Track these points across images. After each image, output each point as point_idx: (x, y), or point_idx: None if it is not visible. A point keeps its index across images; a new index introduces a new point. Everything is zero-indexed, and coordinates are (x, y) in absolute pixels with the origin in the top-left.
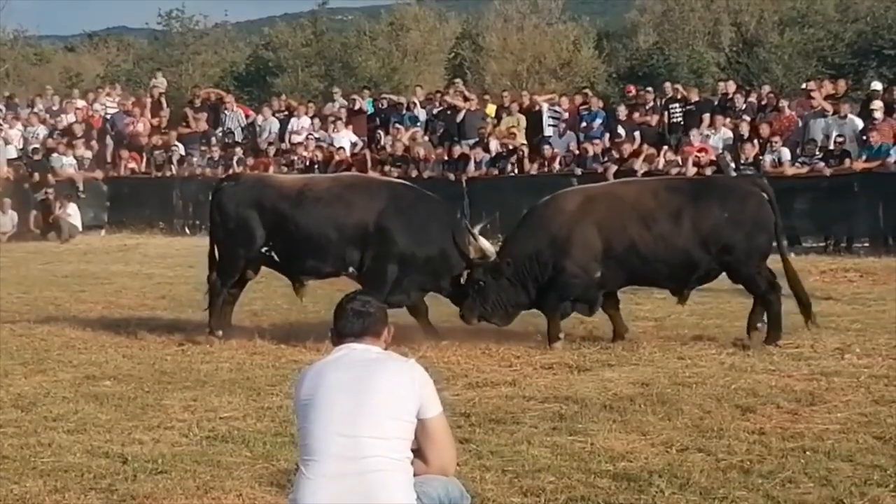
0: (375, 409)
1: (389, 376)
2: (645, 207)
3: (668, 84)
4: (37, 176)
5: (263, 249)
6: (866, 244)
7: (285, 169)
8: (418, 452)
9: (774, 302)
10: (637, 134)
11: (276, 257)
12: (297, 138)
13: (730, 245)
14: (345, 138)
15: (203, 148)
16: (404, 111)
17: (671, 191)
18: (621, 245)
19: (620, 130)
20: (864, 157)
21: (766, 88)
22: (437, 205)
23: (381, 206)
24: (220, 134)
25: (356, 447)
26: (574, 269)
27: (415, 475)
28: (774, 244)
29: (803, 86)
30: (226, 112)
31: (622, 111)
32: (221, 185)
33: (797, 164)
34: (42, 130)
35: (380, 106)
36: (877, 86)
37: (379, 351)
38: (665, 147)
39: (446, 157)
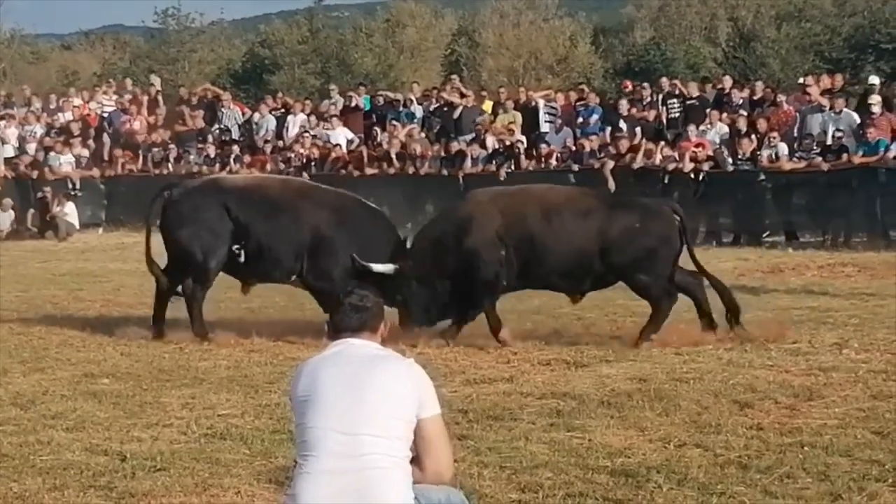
0: (374, 407)
1: (388, 374)
2: (551, 204)
3: (664, 79)
4: (35, 174)
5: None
6: (864, 239)
7: (283, 166)
8: (414, 458)
9: (664, 309)
10: (638, 129)
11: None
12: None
13: (630, 259)
14: (341, 135)
15: (200, 146)
16: (401, 108)
17: (585, 195)
18: (519, 233)
19: (622, 125)
20: (861, 153)
21: (761, 84)
22: (380, 217)
23: (324, 215)
24: (217, 132)
25: (354, 444)
26: (477, 248)
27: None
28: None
29: (800, 80)
30: (222, 110)
31: (624, 106)
32: (171, 192)
33: (795, 158)
34: (39, 129)
35: (376, 103)
36: (874, 80)
37: (377, 347)
38: (662, 142)
39: (443, 154)
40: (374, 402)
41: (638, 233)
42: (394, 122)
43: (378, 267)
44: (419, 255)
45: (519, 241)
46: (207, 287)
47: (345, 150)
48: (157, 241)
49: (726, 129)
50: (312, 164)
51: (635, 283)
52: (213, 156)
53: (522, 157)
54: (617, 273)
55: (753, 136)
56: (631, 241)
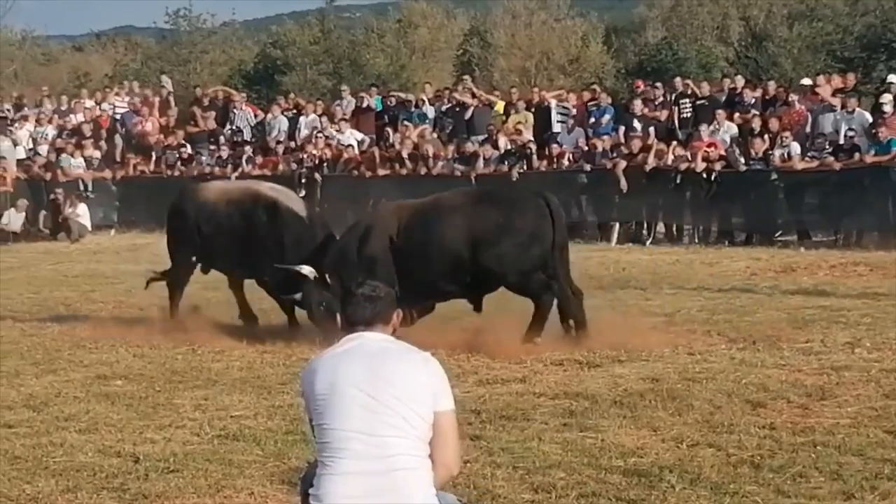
0: (395, 406)
1: (406, 370)
2: (430, 210)
3: (678, 79)
4: (48, 176)
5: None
6: (876, 238)
7: (294, 167)
8: None
9: (546, 304)
10: (651, 129)
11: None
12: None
13: (496, 257)
14: (351, 137)
15: (212, 147)
16: (413, 108)
17: (456, 195)
18: (404, 241)
19: (635, 125)
20: (873, 152)
21: (773, 84)
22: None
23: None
24: (229, 133)
25: (379, 445)
26: (374, 257)
27: None
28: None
29: (805, 81)
30: (235, 111)
31: (638, 106)
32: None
33: (807, 158)
34: (51, 131)
35: (388, 103)
36: (893, 79)
37: (392, 340)
38: (674, 142)
39: (455, 154)
40: (395, 401)
41: (503, 229)
42: (406, 123)
43: (301, 268)
44: (331, 261)
45: (405, 249)
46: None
47: (356, 151)
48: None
49: (737, 128)
50: (324, 164)
51: (508, 284)
52: (225, 157)
53: (534, 157)
54: (487, 273)
55: (765, 136)
56: (496, 238)
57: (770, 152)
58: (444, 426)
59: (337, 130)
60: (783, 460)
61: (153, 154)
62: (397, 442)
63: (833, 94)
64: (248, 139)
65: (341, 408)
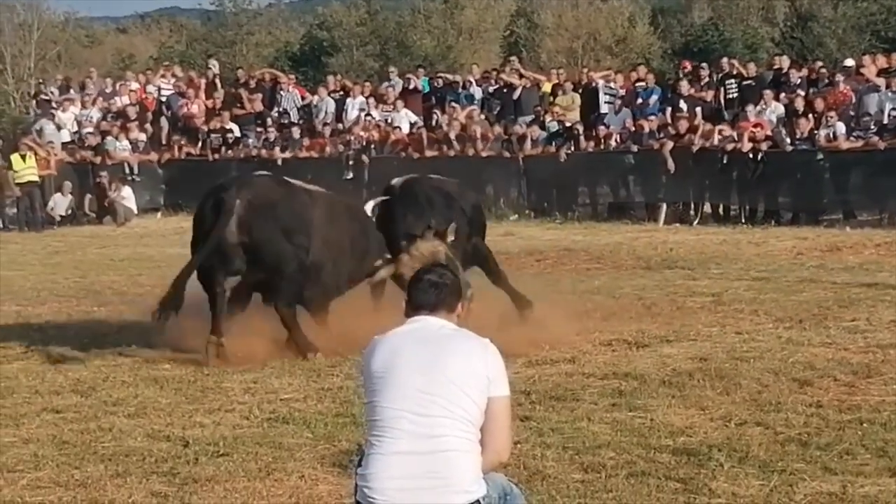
0: (449, 389)
1: (463, 355)
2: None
3: (724, 59)
4: (98, 159)
5: None
6: None
7: (342, 149)
8: None
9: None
10: (698, 109)
11: None
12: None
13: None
14: (404, 118)
15: (259, 129)
16: (460, 90)
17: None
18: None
19: (682, 105)
20: None
21: (818, 64)
22: None
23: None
24: (276, 115)
25: (430, 426)
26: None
27: None
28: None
29: (848, 62)
30: (281, 93)
31: (684, 86)
32: None
33: (852, 138)
34: (96, 113)
35: (435, 85)
36: None
37: (453, 327)
38: (721, 123)
39: (503, 136)
40: (450, 384)
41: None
42: (453, 104)
43: None
44: None
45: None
46: None
47: (405, 132)
48: None
49: (783, 108)
50: (372, 146)
51: None
52: (272, 139)
53: (581, 138)
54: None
55: (811, 116)
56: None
57: (815, 132)
58: (496, 412)
59: (389, 111)
60: (830, 438)
61: (199, 137)
62: (447, 423)
63: (878, 74)
64: (295, 121)
65: (395, 387)
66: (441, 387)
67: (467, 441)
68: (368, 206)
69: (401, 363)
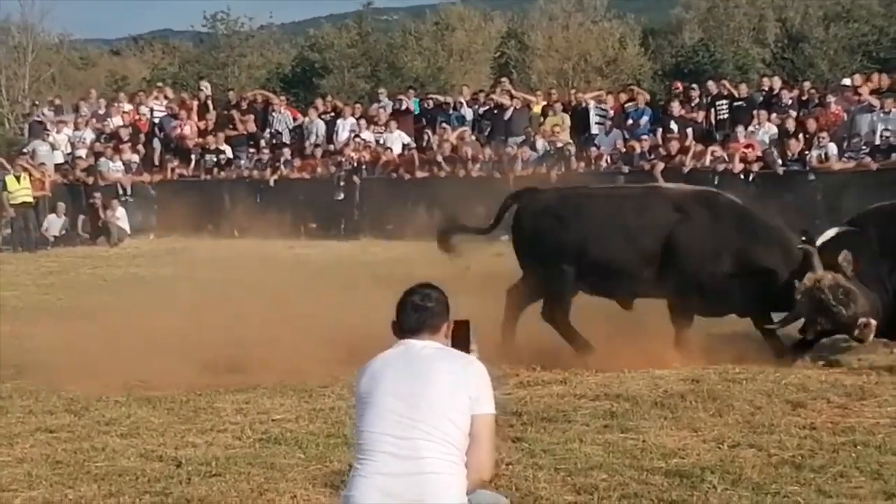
0: (431, 412)
1: (445, 377)
2: None
3: (710, 82)
4: (90, 180)
5: None
6: None
7: (333, 170)
8: None
9: None
10: (690, 131)
11: None
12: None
13: None
14: (397, 139)
15: (251, 150)
16: (451, 111)
17: None
18: None
19: (673, 126)
20: None
21: (808, 84)
22: None
23: None
24: (269, 136)
25: (411, 448)
26: None
27: None
28: None
29: (844, 81)
30: (273, 114)
31: (675, 107)
32: None
33: (844, 158)
34: (89, 134)
35: (426, 106)
36: None
37: (437, 347)
38: (712, 143)
39: (494, 157)
40: (431, 407)
41: None
42: (444, 125)
43: None
44: None
45: None
46: None
47: (396, 153)
48: None
49: (775, 129)
50: (363, 167)
51: None
52: (264, 160)
53: (573, 158)
54: None
55: (802, 136)
56: None
57: (807, 153)
58: (480, 430)
59: (381, 132)
60: (824, 460)
61: (192, 157)
62: (429, 446)
63: (869, 95)
64: (287, 142)
65: (377, 411)
66: (423, 410)
67: (450, 463)
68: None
69: (382, 387)
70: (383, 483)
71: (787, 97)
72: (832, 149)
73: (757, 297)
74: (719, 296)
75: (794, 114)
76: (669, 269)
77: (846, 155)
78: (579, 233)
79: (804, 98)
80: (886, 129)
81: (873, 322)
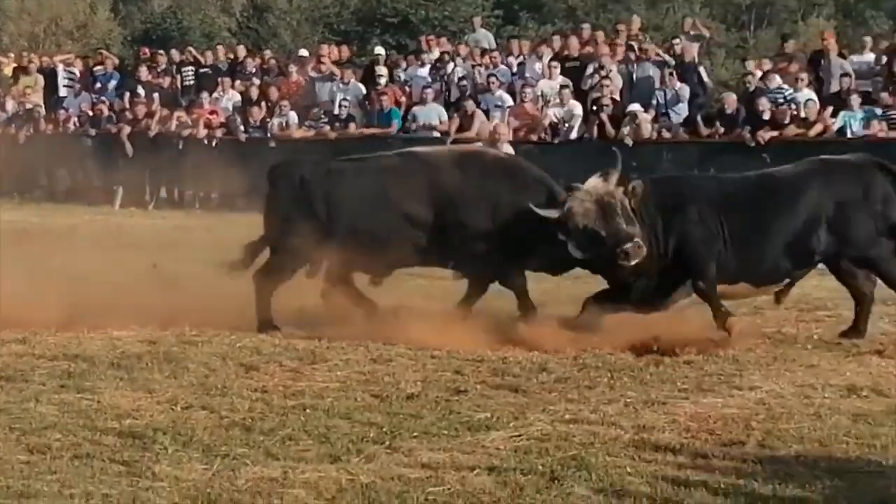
0: None
1: None
2: None
3: (174, 50)
4: None
5: None
6: None
7: None
8: None
9: None
10: (156, 95)
11: None
12: None
13: None
14: None
15: None
16: None
17: None
18: None
19: (140, 91)
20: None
21: (269, 53)
22: None
23: None
24: None
25: None
26: None
27: None
28: None
29: (302, 52)
30: None
31: (143, 72)
32: None
33: (304, 127)
34: None
35: None
36: (380, 51)
37: None
38: (178, 109)
39: None
40: None
41: None
42: None
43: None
44: None
45: None
46: None
47: None
48: None
49: (238, 96)
50: None
51: None
52: None
53: (42, 120)
54: None
55: (264, 104)
56: None
57: (269, 121)
58: None
59: None
60: (273, 423)
61: None
62: None
63: (332, 65)
64: None
65: None
66: None
67: None
68: None
69: None
70: None
71: (251, 65)
72: (293, 117)
73: (541, 250)
74: (508, 254)
75: (257, 82)
76: (447, 235)
77: (306, 124)
78: (340, 206)
79: (266, 67)
80: (345, 100)
81: (645, 249)
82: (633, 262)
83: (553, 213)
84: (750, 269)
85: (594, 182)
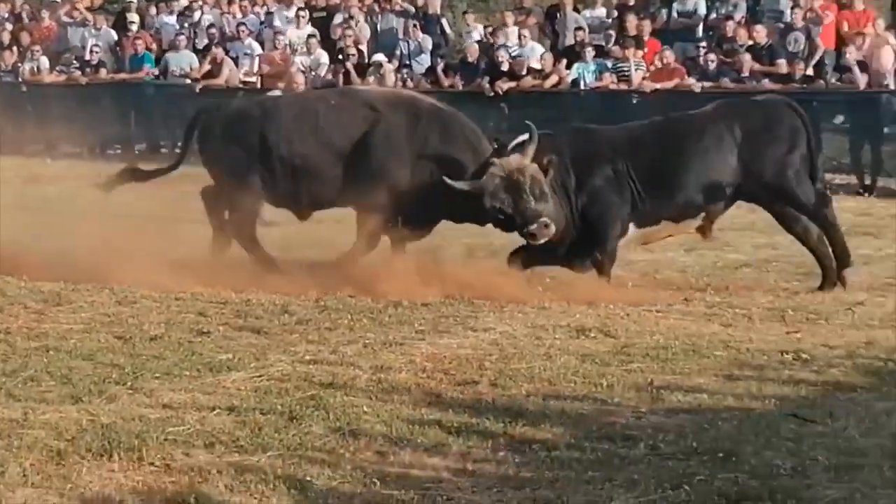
0: None
1: None
2: None
3: None
4: None
5: None
6: None
7: None
8: None
9: None
10: None
11: None
12: None
13: None
14: None
15: None
16: None
17: None
18: None
19: None
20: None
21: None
22: None
23: None
24: None
25: None
26: None
27: None
28: None
29: None
30: None
31: None
32: None
33: (56, 72)
34: None
35: None
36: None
37: None
38: None
39: None
40: None
41: None
42: None
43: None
44: None
45: None
46: None
47: None
48: None
49: None
50: None
51: None
52: None
53: None
54: None
55: (16, 49)
56: None
57: (20, 65)
58: None
59: None
60: (16, 365)
61: None
62: None
63: (85, 11)
64: None
65: None
66: None
67: None
68: None
69: None
70: None
71: (3, 10)
72: (44, 62)
73: (461, 204)
74: (421, 203)
75: (9, 27)
76: (367, 174)
77: (57, 68)
78: (268, 139)
79: (18, 12)
80: (97, 45)
81: (553, 227)
82: (540, 242)
83: (465, 187)
84: (666, 206)
85: (512, 158)
